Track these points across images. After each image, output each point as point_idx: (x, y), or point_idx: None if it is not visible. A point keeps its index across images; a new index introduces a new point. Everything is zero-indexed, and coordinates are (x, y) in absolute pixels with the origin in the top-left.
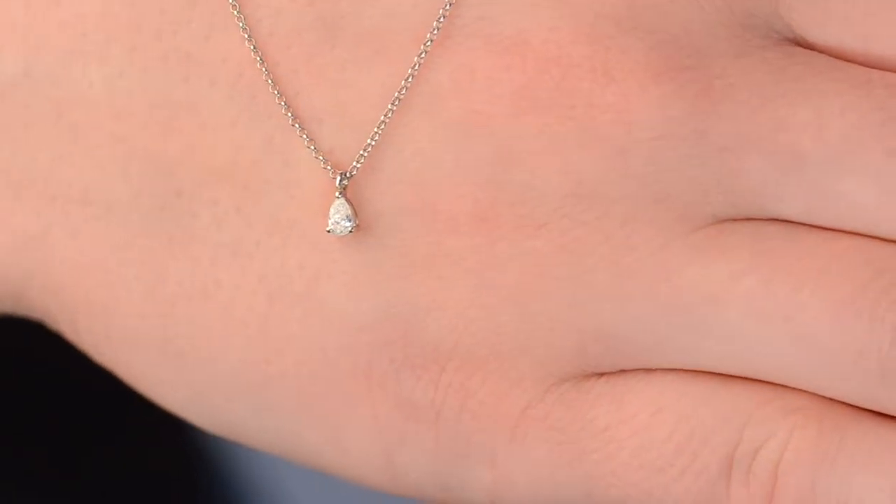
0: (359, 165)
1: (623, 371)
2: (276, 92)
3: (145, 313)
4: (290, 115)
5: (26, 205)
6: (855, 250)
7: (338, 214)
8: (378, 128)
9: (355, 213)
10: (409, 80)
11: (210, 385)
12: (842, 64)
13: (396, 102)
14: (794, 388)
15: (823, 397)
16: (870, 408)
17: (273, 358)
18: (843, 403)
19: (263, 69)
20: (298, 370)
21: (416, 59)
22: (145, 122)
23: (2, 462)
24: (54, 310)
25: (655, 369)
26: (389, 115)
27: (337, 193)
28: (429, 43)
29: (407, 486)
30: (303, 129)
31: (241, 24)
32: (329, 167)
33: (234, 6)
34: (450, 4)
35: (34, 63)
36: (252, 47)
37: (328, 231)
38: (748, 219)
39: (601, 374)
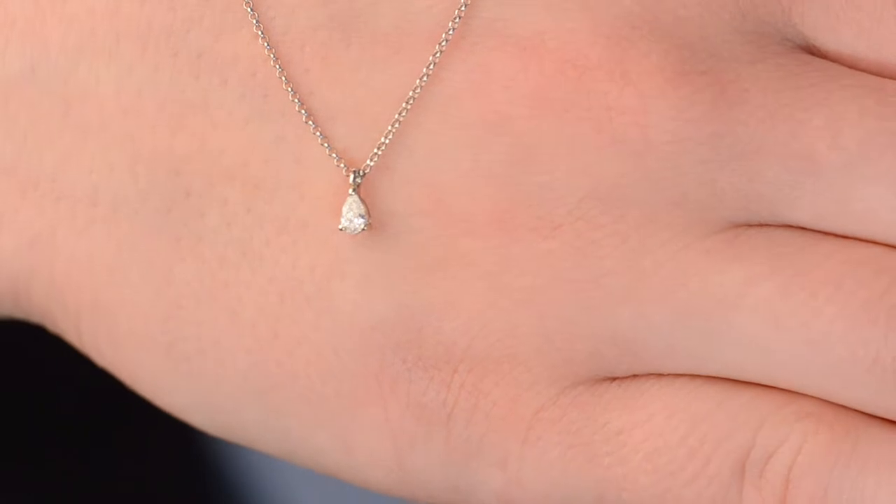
0: (372, 164)
1: (635, 376)
2: (289, 90)
3: (150, 315)
4: (303, 112)
5: (32, 204)
6: (870, 258)
7: (351, 212)
8: (392, 126)
9: (368, 212)
10: (424, 79)
11: (216, 389)
12: (855, 72)
13: (411, 102)
14: (804, 395)
15: (834, 403)
16: (881, 415)
17: (284, 359)
18: (854, 410)
19: (277, 67)
20: (309, 371)
21: (431, 58)
22: (154, 120)
23: (0, 465)
24: (57, 311)
25: (667, 374)
26: (404, 114)
27: (350, 191)
28: (444, 43)
29: (416, 488)
30: (316, 127)
31: (254, 22)
32: (342, 165)
33: (247, 4)
34: (465, 5)
35: (41, 60)
36: (266, 45)
37: (341, 229)
38: (761, 225)
39: (613, 379)
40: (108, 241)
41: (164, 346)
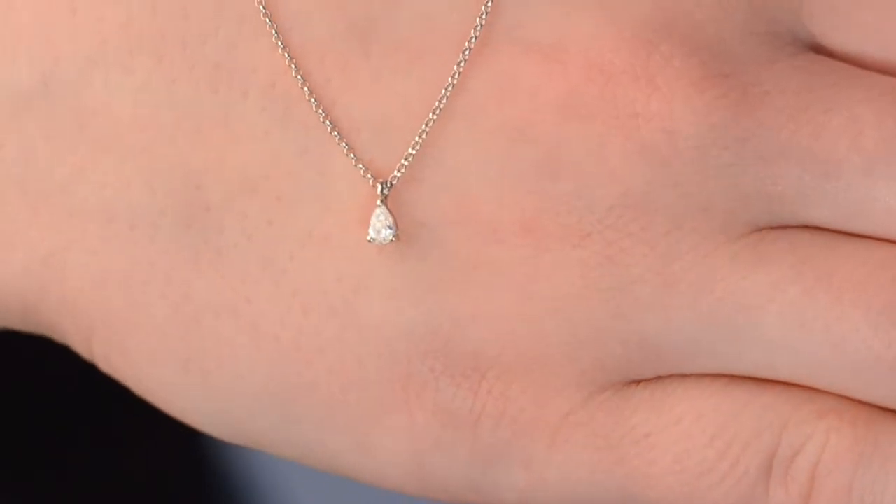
0: (399, 175)
1: (660, 377)
2: (313, 101)
3: (167, 333)
4: (328, 123)
5: (44, 221)
6: (890, 261)
7: (379, 223)
8: (419, 136)
9: (396, 223)
10: (449, 88)
11: (234, 401)
12: (867, 72)
13: (437, 111)
14: (825, 391)
15: (854, 399)
16: None
17: (304, 370)
18: (872, 405)
19: (299, 77)
20: (330, 380)
21: (454, 67)
22: (172, 134)
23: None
24: (69, 327)
25: (691, 375)
26: (430, 123)
27: (378, 202)
28: (467, 51)
29: (434, 488)
30: (341, 138)
31: (273, 33)
32: (369, 176)
33: (265, 14)
34: (486, 12)
35: (52, 73)
36: (287, 56)
37: (369, 240)
38: (783, 226)
39: (639, 382)
40: (124, 259)
41: (181, 361)
